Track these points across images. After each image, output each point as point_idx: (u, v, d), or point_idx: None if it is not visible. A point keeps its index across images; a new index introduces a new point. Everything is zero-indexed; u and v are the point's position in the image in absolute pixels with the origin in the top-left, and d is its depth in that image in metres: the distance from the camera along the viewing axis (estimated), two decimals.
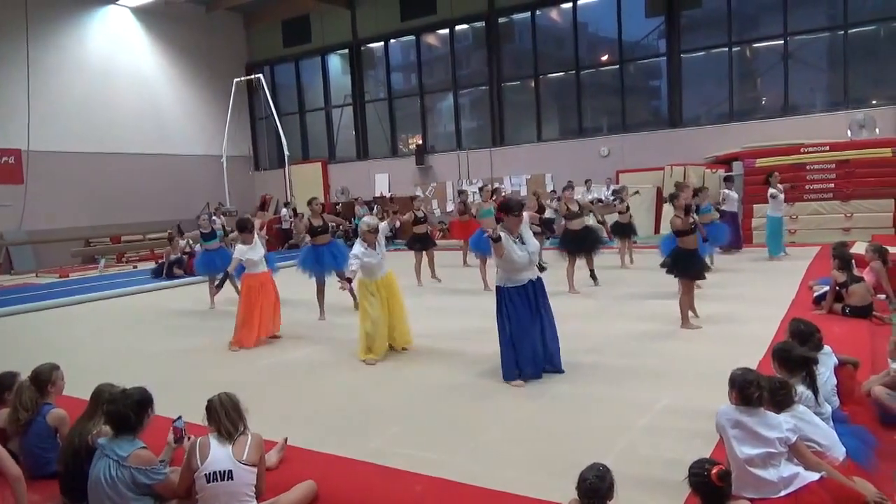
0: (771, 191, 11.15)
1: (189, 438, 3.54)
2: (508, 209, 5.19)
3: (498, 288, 5.24)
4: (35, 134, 17.68)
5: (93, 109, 19.94)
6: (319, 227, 8.62)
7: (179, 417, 3.62)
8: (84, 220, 19.15)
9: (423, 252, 11.00)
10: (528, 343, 5.13)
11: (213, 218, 10.88)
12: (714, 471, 2.74)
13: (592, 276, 9.56)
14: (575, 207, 9.44)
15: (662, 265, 7.04)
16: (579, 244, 9.38)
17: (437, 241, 12.19)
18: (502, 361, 5.22)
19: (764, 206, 12.13)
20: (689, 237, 6.63)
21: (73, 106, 19.45)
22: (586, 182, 16.65)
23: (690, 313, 6.75)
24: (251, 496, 3.21)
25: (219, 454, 3.16)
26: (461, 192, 15.24)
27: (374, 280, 6.23)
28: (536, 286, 5.24)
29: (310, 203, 8.77)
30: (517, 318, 5.11)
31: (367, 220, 6.49)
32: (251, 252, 7.25)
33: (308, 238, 8.86)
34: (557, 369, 5.31)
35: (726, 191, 12.12)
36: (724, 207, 11.75)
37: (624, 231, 11.37)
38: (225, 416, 3.22)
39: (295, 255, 15.60)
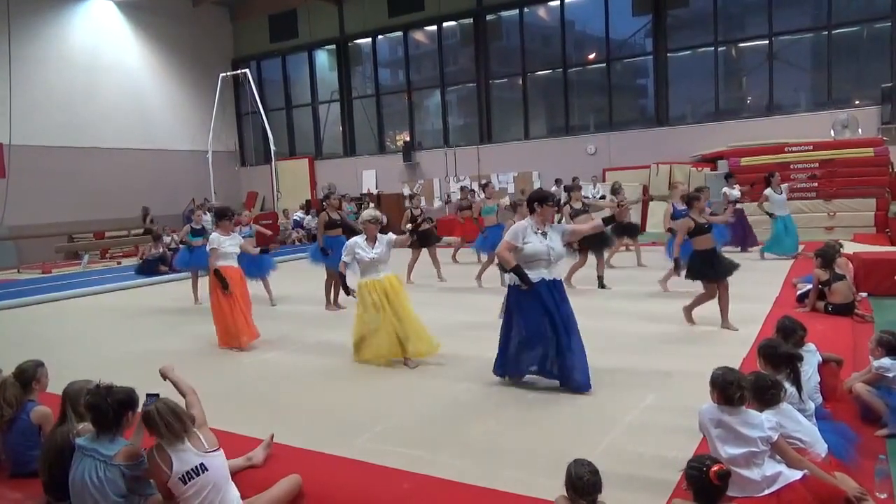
0: (766, 190, 11.09)
1: None
2: (543, 199, 4.94)
3: (509, 287, 4.98)
4: (17, 128, 17.45)
5: (76, 103, 19.72)
6: (337, 220, 8.97)
7: (156, 395, 3.52)
8: (67, 215, 18.92)
9: (423, 249, 10.79)
10: (532, 344, 4.86)
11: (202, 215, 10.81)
12: (714, 468, 2.76)
13: (601, 283, 9.15)
14: (578, 205, 9.42)
15: (688, 275, 6.88)
16: (587, 241, 9.29)
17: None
18: (502, 360, 5.08)
19: (749, 204, 12.18)
20: (705, 237, 6.58)
21: (56, 100, 19.22)
22: (573, 180, 16.67)
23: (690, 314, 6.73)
24: (227, 477, 3.21)
25: (181, 456, 3.09)
26: (463, 189, 15.04)
27: (368, 279, 5.86)
28: (552, 287, 4.87)
29: (327, 198, 9.44)
30: (523, 317, 4.85)
31: (370, 211, 6.21)
32: (227, 243, 6.94)
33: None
34: (576, 388, 4.76)
35: (728, 189, 11.93)
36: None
37: (623, 231, 10.95)
38: (166, 427, 3.09)
39: (278, 252, 15.44)
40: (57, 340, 7.89)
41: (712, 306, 6.77)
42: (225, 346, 6.88)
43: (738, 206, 11.53)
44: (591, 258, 9.30)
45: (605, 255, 9.64)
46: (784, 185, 11.32)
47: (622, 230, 11.01)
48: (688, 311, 6.70)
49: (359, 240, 5.96)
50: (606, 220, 5.38)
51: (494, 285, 9.51)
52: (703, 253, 6.56)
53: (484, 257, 10.72)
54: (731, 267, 6.57)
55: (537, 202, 4.95)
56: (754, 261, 10.90)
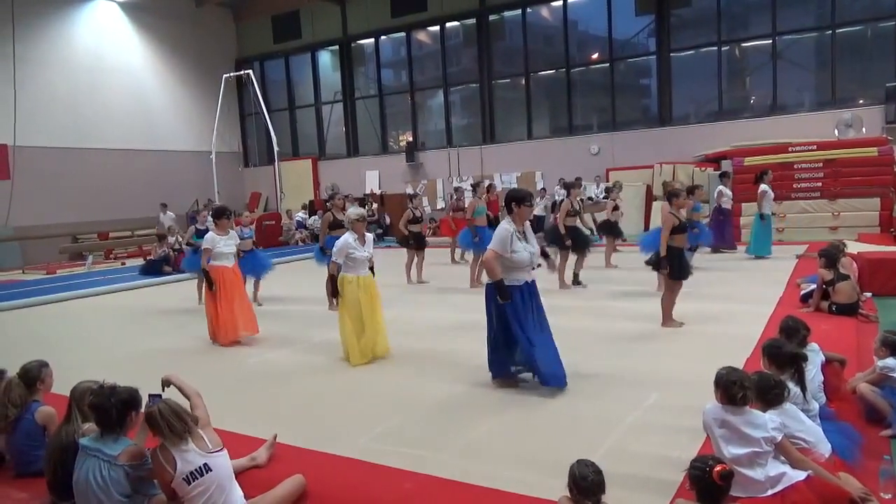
0: (763, 187, 11.10)
1: None
2: (520, 199, 4.88)
3: (489, 286, 4.94)
4: (22, 129, 17.51)
5: (80, 105, 19.78)
6: (342, 221, 8.91)
7: (159, 395, 3.53)
8: (71, 216, 18.98)
9: (417, 251, 10.87)
10: (511, 344, 4.90)
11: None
12: (717, 468, 2.77)
13: (576, 280, 9.40)
14: (577, 206, 9.50)
15: (648, 262, 7.05)
16: (573, 241, 9.37)
17: (428, 239, 12.06)
18: (489, 360, 5.12)
19: (752, 204, 12.15)
20: (681, 235, 6.65)
21: (60, 101, 19.29)
22: (576, 179, 16.65)
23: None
24: (231, 477, 3.22)
25: (185, 456, 3.09)
26: (457, 189, 15.13)
27: (359, 276, 6.00)
28: (532, 288, 4.94)
29: (332, 198, 9.49)
30: (515, 317, 4.82)
31: (355, 209, 6.33)
32: (223, 243, 7.03)
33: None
34: (545, 381, 4.82)
35: (722, 188, 11.95)
36: (722, 205, 11.67)
37: (611, 230, 11.24)
38: (168, 428, 3.10)
39: (282, 252, 15.51)
40: (61, 341, 7.91)
41: (716, 306, 6.77)
42: (212, 338, 7.09)
43: (725, 207, 11.60)
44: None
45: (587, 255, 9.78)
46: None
47: (608, 230, 11.11)
48: (667, 319, 6.69)
49: (350, 239, 6.00)
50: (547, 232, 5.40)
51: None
52: (675, 250, 6.58)
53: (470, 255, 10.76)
54: (680, 272, 6.66)
55: (515, 202, 4.90)
56: (751, 261, 10.91)
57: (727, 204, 11.90)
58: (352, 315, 5.95)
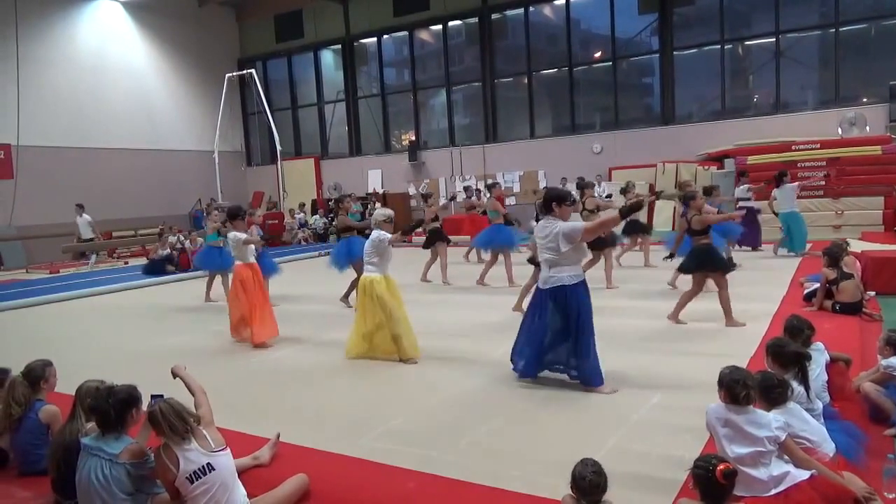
0: (794, 184, 10.99)
1: None
2: (561, 198, 4.88)
3: (559, 288, 4.81)
4: (25, 129, 17.53)
5: (83, 104, 19.81)
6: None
7: (161, 395, 3.53)
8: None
9: (442, 246, 10.60)
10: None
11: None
12: (720, 467, 2.77)
13: None
14: (591, 206, 9.44)
15: (681, 269, 7.00)
16: (597, 241, 9.24)
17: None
18: (527, 360, 5.03)
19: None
20: (707, 234, 6.73)
21: (63, 101, 19.32)
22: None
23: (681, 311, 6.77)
24: (235, 476, 3.22)
25: (188, 455, 3.09)
26: (467, 188, 15.11)
27: (383, 275, 5.99)
28: None
29: (342, 199, 9.45)
30: (588, 314, 4.85)
31: (382, 210, 6.28)
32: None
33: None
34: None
35: (744, 186, 11.90)
36: (741, 203, 11.63)
37: (636, 229, 10.94)
38: (169, 428, 3.10)
39: (285, 251, 15.50)
40: (65, 340, 7.92)
41: (716, 304, 6.75)
42: (236, 337, 7.10)
43: (743, 204, 11.53)
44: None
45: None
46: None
47: (635, 228, 10.95)
48: (674, 315, 6.72)
49: (387, 237, 5.98)
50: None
51: (502, 284, 9.51)
52: (699, 248, 6.65)
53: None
54: (725, 265, 6.67)
55: (556, 201, 4.88)
56: (755, 260, 10.87)
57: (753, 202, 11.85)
58: (377, 313, 5.90)
